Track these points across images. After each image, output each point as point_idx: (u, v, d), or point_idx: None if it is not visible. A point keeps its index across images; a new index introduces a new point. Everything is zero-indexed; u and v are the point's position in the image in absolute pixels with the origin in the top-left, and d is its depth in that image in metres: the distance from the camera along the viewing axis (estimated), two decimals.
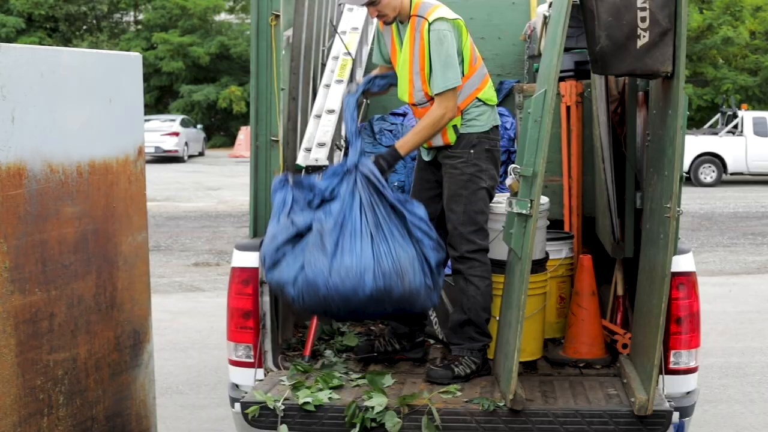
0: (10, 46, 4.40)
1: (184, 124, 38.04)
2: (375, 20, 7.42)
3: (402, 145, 5.21)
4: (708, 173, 26.67)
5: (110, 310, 5.15)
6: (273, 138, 5.35)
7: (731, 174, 27.02)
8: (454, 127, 5.23)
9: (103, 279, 5.09)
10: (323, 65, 7.11)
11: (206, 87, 43.40)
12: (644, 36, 4.66)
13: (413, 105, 5.38)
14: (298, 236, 4.94)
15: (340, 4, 7.29)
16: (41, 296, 4.59)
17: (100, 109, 5.08)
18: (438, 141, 5.28)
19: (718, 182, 26.64)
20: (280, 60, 5.36)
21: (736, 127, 27.40)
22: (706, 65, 38.75)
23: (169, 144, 36.11)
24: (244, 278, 5.22)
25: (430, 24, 5.13)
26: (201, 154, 39.33)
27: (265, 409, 4.71)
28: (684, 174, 4.78)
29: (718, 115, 30.28)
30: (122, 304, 5.26)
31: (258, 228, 5.41)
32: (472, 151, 5.23)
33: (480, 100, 5.28)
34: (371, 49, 6.55)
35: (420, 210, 5.06)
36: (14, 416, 4.42)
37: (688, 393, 5.19)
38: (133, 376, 5.38)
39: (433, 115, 5.14)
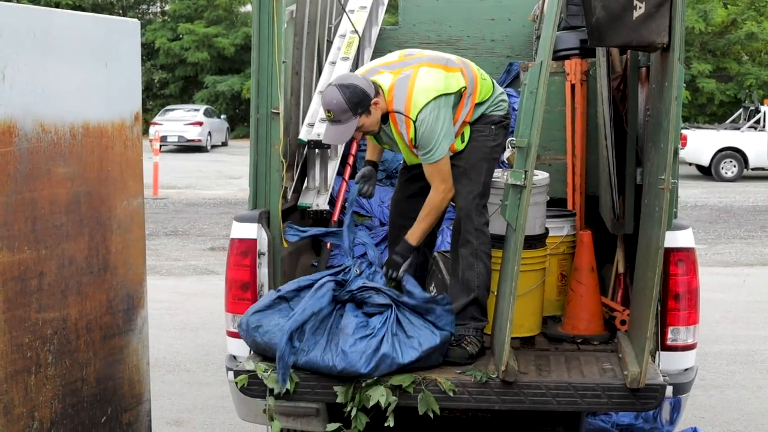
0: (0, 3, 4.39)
1: (207, 114, 38.19)
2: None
3: (412, 235, 5.08)
4: (729, 168, 26.50)
5: (103, 273, 5.13)
6: (274, 110, 5.33)
7: (753, 169, 26.80)
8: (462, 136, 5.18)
9: (96, 241, 5.07)
10: (329, 42, 7.12)
11: (231, 78, 43.50)
12: (640, 7, 4.60)
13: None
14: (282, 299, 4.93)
15: None
16: (30, 254, 4.58)
17: (96, 72, 5.05)
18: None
19: (740, 177, 26.47)
20: (281, 33, 5.33)
21: (758, 122, 27.20)
22: (729, 60, 38.50)
23: (193, 134, 36.33)
24: (242, 249, 5.23)
25: (415, 122, 4.91)
26: (224, 144, 39.42)
27: (254, 378, 4.71)
28: (680, 147, 4.75)
29: (741, 110, 30.15)
30: (116, 268, 5.24)
31: (258, 200, 5.39)
32: (493, 127, 5.17)
33: (480, 103, 5.17)
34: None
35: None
36: (0, 372, 4.43)
37: (685, 370, 5.15)
38: (126, 340, 5.37)
39: (433, 201, 5.04)
